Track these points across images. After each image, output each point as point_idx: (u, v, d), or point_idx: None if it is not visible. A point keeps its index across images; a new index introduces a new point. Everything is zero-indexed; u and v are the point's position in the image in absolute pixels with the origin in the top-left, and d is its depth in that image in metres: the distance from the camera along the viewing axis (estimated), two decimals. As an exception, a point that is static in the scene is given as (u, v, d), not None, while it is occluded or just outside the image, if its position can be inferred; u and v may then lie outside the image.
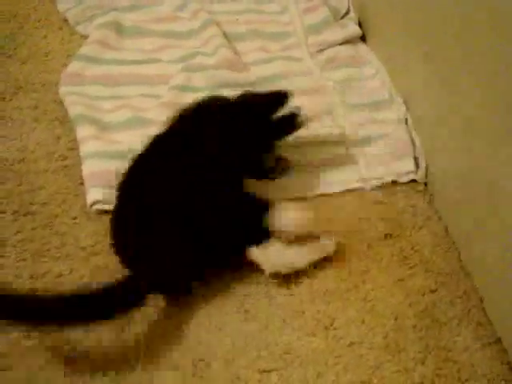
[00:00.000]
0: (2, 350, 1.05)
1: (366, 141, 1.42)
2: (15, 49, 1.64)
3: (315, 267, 1.20)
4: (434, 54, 1.31)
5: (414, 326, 1.13)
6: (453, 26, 1.21)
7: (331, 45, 1.64)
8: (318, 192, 1.34)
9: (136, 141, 1.36)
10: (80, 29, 1.71)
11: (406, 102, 1.47)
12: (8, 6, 1.77)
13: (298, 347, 1.10)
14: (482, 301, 1.17)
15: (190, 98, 1.47)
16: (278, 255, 1.15)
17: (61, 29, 1.71)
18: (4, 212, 1.26)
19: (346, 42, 1.66)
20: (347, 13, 1.75)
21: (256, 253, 1.14)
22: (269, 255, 1.14)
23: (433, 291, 1.18)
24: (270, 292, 1.17)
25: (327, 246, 1.20)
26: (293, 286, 1.18)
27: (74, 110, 1.44)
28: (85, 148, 1.36)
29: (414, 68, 1.43)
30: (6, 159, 1.36)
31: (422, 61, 1.37)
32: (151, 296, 1.10)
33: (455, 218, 1.27)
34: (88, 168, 1.32)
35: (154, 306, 1.13)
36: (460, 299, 1.17)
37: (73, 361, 1.05)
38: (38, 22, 1.73)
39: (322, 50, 1.64)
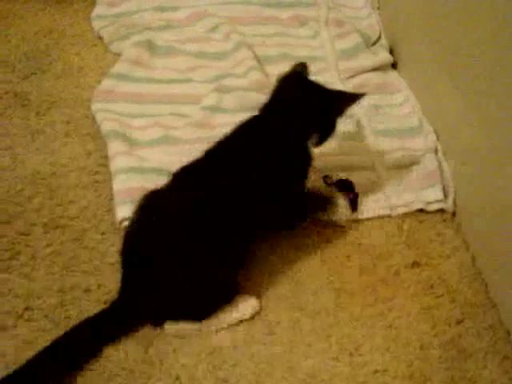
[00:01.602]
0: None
1: (395, 168, 1.42)
2: (50, 64, 1.67)
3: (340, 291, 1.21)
4: (465, 83, 1.32)
5: (440, 357, 1.12)
6: (484, 55, 1.22)
7: (362, 71, 1.66)
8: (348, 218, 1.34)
9: (165, 159, 1.39)
10: (113, 47, 1.74)
11: (435, 131, 1.47)
12: (44, 22, 1.81)
13: (322, 371, 1.10)
14: (508, 334, 1.16)
15: (220, 119, 1.50)
16: None
17: (95, 46, 1.75)
18: (35, 225, 1.28)
19: (377, 68, 1.67)
20: (378, 39, 1.76)
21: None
22: None
23: (459, 322, 1.18)
24: (295, 315, 1.17)
25: (249, 306, 1.17)
26: (318, 309, 1.18)
27: (105, 127, 1.46)
28: (115, 164, 1.38)
29: (444, 96, 1.44)
30: (38, 172, 1.38)
31: (452, 89, 1.38)
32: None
33: (483, 249, 1.27)
34: (118, 184, 1.34)
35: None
36: (486, 331, 1.17)
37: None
38: (73, 38, 1.77)
39: (352, 76, 1.65)
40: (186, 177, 1.18)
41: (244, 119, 1.24)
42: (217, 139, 1.21)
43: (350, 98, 1.25)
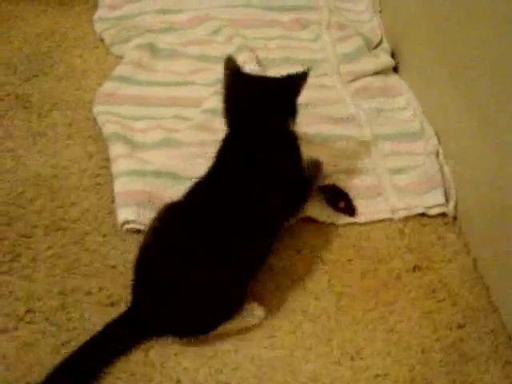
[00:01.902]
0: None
1: (396, 171, 1.42)
2: (52, 66, 1.67)
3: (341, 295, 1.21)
4: (466, 85, 1.32)
5: (441, 361, 1.12)
6: (487, 58, 1.22)
7: (364, 74, 1.66)
8: (348, 220, 1.34)
9: (167, 162, 1.40)
10: (115, 49, 1.74)
11: (437, 134, 1.47)
12: (46, 24, 1.81)
13: (324, 375, 1.10)
14: (510, 338, 1.16)
15: (221, 122, 1.50)
16: None
17: (97, 48, 1.75)
18: (36, 227, 1.28)
19: (379, 72, 1.67)
20: (380, 43, 1.77)
21: None
22: None
23: (461, 326, 1.18)
24: (297, 318, 1.17)
25: (255, 315, 1.16)
26: (319, 313, 1.18)
27: (107, 129, 1.46)
28: (117, 166, 1.38)
29: (446, 99, 1.44)
30: (40, 175, 1.38)
31: (454, 92, 1.38)
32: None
33: (485, 253, 1.26)
34: (119, 186, 1.34)
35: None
36: (488, 335, 1.16)
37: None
38: (75, 40, 1.77)
39: (354, 80, 1.65)
40: (200, 192, 1.17)
41: (226, 135, 1.23)
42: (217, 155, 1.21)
43: (299, 77, 1.24)
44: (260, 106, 1.21)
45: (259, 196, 1.14)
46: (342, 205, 1.35)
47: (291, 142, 1.25)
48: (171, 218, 1.14)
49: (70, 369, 1.03)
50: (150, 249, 1.12)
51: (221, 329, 1.12)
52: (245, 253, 1.11)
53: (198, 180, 1.18)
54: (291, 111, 1.25)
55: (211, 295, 1.07)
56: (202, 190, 1.17)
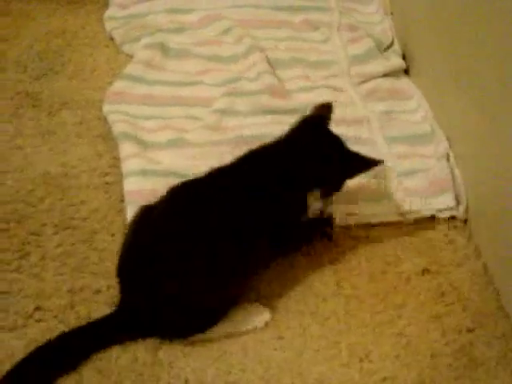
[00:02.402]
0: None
1: (406, 174, 1.41)
2: (62, 65, 1.68)
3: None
4: (476, 89, 1.31)
5: (450, 365, 1.11)
6: (498, 61, 1.21)
7: (374, 76, 1.65)
8: (357, 222, 1.34)
9: (176, 161, 1.40)
10: (125, 48, 1.74)
11: (448, 137, 1.46)
12: (56, 23, 1.82)
13: (332, 378, 1.09)
14: (520, 343, 1.16)
15: (231, 122, 1.50)
16: None
17: (107, 47, 1.76)
18: (45, 225, 1.28)
19: (389, 74, 1.67)
20: (391, 45, 1.76)
21: None
22: None
23: (470, 330, 1.17)
24: (305, 321, 1.17)
25: (260, 318, 1.16)
26: (328, 315, 1.18)
27: (117, 128, 1.46)
28: (126, 166, 1.38)
29: (456, 102, 1.43)
30: (49, 173, 1.38)
31: (464, 96, 1.37)
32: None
33: (495, 257, 1.26)
34: (129, 186, 1.34)
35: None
36: (498, 340, 1.15)
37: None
38: (85, 39, 1.77)
39: (364, 81, 1.65)
40: (184, 195, 1.16)
41: (255, 147, 1.21)
42: (222, 164, 1.19)
43: (366, 164, 1.22)
44: (313, 161, 1.18)
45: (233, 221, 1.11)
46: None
47: (288, 204, 1.17)
48: (149, 219, 1.13)
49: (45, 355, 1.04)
50: (130, 248, 1.13)
51: (226, 332, 1.12)
52: (225, 257, 1.08)
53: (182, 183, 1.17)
54: (324, 185, 1.20)
55: (191, 297, 1.07)
56: (187, 188, 1.16)
